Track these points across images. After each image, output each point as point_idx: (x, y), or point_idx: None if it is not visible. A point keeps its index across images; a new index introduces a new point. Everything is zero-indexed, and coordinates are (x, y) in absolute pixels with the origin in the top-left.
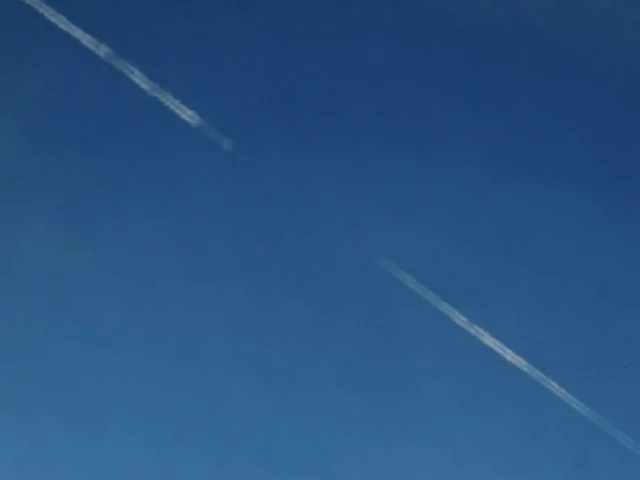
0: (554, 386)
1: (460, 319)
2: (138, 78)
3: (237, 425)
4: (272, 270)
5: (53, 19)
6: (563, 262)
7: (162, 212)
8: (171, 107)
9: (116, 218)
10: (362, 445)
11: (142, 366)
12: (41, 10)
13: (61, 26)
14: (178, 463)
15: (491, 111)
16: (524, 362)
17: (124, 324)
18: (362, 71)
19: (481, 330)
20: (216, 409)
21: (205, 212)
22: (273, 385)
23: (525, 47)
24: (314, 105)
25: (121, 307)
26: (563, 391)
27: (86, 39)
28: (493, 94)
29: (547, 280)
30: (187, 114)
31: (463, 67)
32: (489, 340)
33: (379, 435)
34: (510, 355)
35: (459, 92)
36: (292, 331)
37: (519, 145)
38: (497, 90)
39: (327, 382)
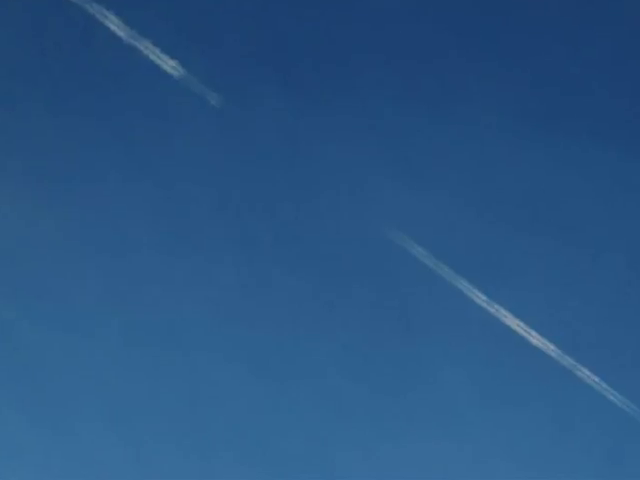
0: (586, 373)
1: (479, 297)
2: (113, 24)
3: (226, 418)
4: (265, 242)
5: None
6: (596, 233)
7: (141, 176)
8: (151, 57)
9: (89, 182)
10: (368, 441)
11: (119, 351)
12: None
13: None
14: (159, 461)
15: (514, 61)
16: (551, 346)
17: (98, 303)
18: (367, 15)
19: (503, 310)
20: (203, 400)
21: (190, 175)
22: (267, 373)
23: None
24: (312, 54)
25: (95, 284)
26: (596, 379)
27: None
28: (516, 42)
29: (577, 254)
30: (169, 64)
31: (481, 10)
32: (512, 321)
33: (387, 429)
34: (536, 338)
35: (477, 39)
36: (289, 312)
37: (545, 100)
38: (520, 37)
39: (328, 369)
